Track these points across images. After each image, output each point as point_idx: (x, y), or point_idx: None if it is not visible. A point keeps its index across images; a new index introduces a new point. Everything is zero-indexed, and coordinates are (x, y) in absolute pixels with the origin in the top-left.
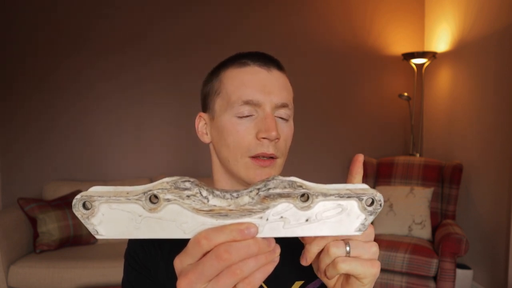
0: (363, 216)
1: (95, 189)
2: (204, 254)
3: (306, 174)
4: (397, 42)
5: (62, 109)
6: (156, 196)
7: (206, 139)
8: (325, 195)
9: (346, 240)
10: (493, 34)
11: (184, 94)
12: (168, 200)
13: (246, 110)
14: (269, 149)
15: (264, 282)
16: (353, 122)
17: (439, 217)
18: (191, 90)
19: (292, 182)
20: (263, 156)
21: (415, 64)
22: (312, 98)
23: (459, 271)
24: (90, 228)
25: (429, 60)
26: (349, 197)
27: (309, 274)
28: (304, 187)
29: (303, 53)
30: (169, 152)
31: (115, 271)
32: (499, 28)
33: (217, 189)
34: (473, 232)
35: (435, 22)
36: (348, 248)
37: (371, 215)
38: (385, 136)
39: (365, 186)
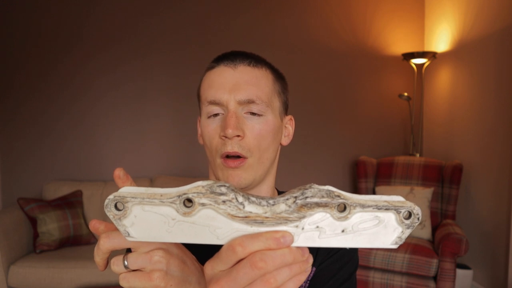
0: (400, 229)
1: (126, 190)
2: (237, 262)
3: (306, 174)
4: (397, 42)
5: (62, 109)
6: (190, 200)
7: (201, 140)
8: (363, 206)
9: (126, 255)
10: (493, 34)
11: (183, 94)
12: (203, 204)
13: (214, 109)
14: (233, 148)
15: None
16: (353, 122)
17: (439, 217)
18: (190, 90)
19: (330, 191)
20: (229, 156)
21: (415, 64)
22: (312, 98)
23: (459, 271)
24: (121, 229)
25: (429, 60)
26: (387, 209)
27: None
28: (342, 197)
29: (303, 53)
30: (168, 152)
31: None
32: (499, 28)
33: (253, 195)
34: (473, 232)
35: (435, 22)
36: (126, 263)
37: (408, 228)
38: (385, 136)
39: (401, 198)
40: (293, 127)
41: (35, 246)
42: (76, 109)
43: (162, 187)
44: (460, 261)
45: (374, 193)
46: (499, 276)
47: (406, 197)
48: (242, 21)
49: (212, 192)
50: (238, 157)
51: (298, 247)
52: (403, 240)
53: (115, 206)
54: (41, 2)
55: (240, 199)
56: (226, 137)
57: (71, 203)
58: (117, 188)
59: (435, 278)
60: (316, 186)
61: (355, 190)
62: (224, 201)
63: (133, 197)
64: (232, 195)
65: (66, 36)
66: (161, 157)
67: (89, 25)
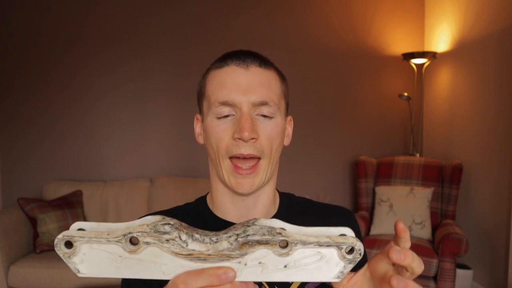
0: (342, 264)
1: (77, 226)
2: None
3: (306, 174)
4: (397, 42)
5: (62, 109)
6: (136, 238)
7: (200, 140)
8: (304, 242)
9: None
10: (493, 34)
11: (183, 94)
12: (148, 243)
13: (224, 110)
14: (247, 150)
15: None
16: (353, 122)
17: (439, 217)
18: (190, 90)
19: (272, 228)
20: (243, 157)
21: (415, 64)
22: (312, 98)
23: (459, 271)
24: (71, 266)
25: (429, 60)
26: (328, 245)
27: None
28: (283, 234)
29: (303, 53)
30: (168, 152)
31: None
32: (499, 28)
33: (197, 232)
34: (473, 232)
35: (435, 22)
36: None
37: (350, 263)
38: (385, 136)
39: (347, 231)
40: (292, 128)
41: (35, 246)
42: (76, 109)
43: (162, 187)
44: (460, 261)
45: (374, 193)
46: (499, 276)
47: (406, 197)
48: (242, 21)
49: (156, 231)
50: (251, 159)
51: (241, 282)
52: (345, 274)
53: (65, 245)
54: (41, 2)
55: (184, 237)
56: (241, 139)
57: (71, 203)
58: (116, 189)
59: (435, 278)
60: (259, 222)
61: (355, 190)
62: (167, 240)
63: (81, 237)
64: (175, 234)
65: (66, 36)
66: (161, 157)
67: (89, 25)
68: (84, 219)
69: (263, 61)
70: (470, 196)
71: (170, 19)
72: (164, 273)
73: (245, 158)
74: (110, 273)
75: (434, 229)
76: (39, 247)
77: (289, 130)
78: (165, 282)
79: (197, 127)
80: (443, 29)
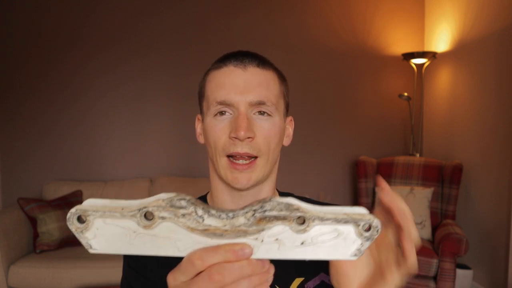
0: (359, 241)
1: (90, 202)
2: (198, 273)
3: (306, 174)
4: (397, 42)
5: (62, 109)
6: (151, 213)
7: (201, 140)
8: (322, 219)
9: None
10: (493, 34)
11: (183, 94)
12: (163, 218)
13: (222, 110)
14: (243, 149)
15: None
16: (353, 122)
17: (439, 217)
18: (190, 90)
19: (289, 204)
20: (239, 156)
21: (415, 64)
22: (312, 98)
23: (459, 271)
24: (84, 242)
25: (429, 60)
26: (346, 222)
27: (309, 271)
28: (300, 210)
29: (303, 53)
30: (168, 152)
31: (115, 271)
32: (499, 28)
33: (213, 208)
34: (473, 232)
35: (435, 22)
36: None
37: (367, 240)
38: (385, 136)
39: (363, 210)
40: (293, 128)
41: (35, 246)
42: (76, 109)
43: (162, 187)
44: (460, 261)
45: (374, 193)
46: (499, 276)
47: (406, 197)
48: (242, 21)
49: (172, 206)
50: (248, 158)
51: (257, 259)
52: (363, 252)
53: (78, 219)
54: (41, 2)
55: (200, 212)
56: (237, 138)
57: (71, 203)
58: (116, 189)
59: (435, 278)
60: (276, 199)
61: (355, 190)
62: (183, 215)
63: (94, 211)
64: (191, 209)
65: (66, 36)
66: (161, 157)
67: (89, 25)
68: None
69: (262, 62)
70: (470, 196)
71: (170, 19)
72: (179, 249)
73: (241, 156)
74: (124, 249)
75: (434, 229)
76: (39, 247)
77: (290, 130)
78: (173, 265)
79: (198, 127)
80: (443, 29)
